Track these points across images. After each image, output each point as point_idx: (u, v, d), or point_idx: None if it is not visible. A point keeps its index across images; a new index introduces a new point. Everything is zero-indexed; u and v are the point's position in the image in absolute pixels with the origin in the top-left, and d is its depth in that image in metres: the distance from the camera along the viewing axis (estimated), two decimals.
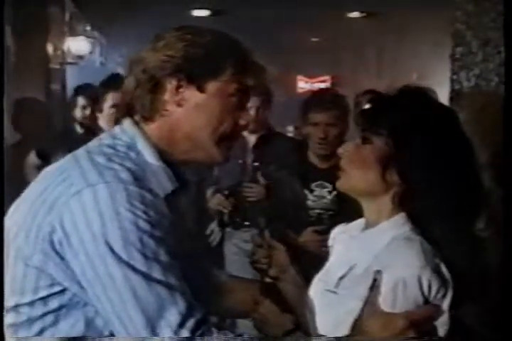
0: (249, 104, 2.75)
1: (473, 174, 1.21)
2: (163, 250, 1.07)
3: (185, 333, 1.05)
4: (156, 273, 1.05)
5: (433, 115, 1.22)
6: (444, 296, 1.13)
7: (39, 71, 5.73)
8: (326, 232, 2.22)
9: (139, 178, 1.11)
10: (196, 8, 6.91)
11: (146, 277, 1.04)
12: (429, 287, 1.11)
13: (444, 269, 1.13)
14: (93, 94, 3.81)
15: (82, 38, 6.62)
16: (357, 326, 1.12)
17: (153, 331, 1.04)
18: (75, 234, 1.06)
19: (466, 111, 2.26)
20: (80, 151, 1.20)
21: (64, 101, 6.21)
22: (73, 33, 6.53)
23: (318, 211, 2.47)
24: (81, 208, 1.06)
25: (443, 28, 3.70)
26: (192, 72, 1.18)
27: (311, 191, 2.53)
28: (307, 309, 1.28)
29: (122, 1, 6.12)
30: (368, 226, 1.26)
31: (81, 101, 3.78)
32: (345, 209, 2.39)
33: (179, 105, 1.20)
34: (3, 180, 1.34)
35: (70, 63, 6.52)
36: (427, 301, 1.11)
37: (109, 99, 3.16)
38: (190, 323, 1.06)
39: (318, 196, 2.50)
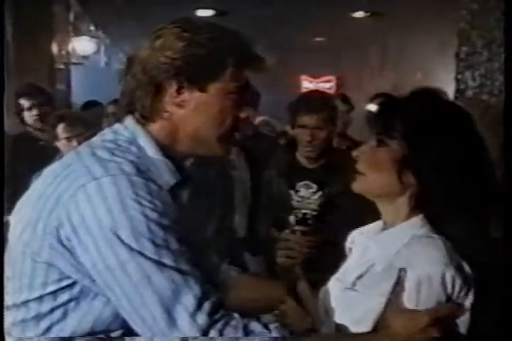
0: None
1: (487, 174, 1.21)
2: (172, 238, 1.08)
3: (202, 316, 1.05)
4: (168, 260, 1.06)
5: (445, 116, 1.23)
6: (466, 294, 1.14)
7: (44, 71, 5.73)
8: (310, 233, 2.21)
9: (142, 170, 1.12)
10: (200, 8, 6.92)
11: (158, 264, 1.05)
12: (453, 284, 1.12)
13: (466, 267, 1.14)
14: (35, 93, 3.58)
15: (86, 37, 6.64)
16: (380, 322, 1.13)
17: (170, 316, 1.04)
18: (83, 227, 1.06)
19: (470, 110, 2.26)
20: (82, 147, 1.21)
21: (68, 102, 6.24)
22: (77, 33, 6.55)
23: (303, 211, 2.45)
24: (87, 201, 1.06)
25: (448, 27, 3.70)
26: (193, 74, 1.18)
27: (296, 191, 2.51)
28: (322, 309, 1.29)
29: (126, 0, 6.12)
30: (386, 227, 1.27)
31: (25, 103, 3.51)
32: (331, 210, 2.40)
33: (180, 106, 1.19)
34: (3, 179, 1.35)
35: (75, 63, 6.54)
36: (449, 299, 1.12)
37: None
38: (207, 306, 1.06)
39: (303, 196, 2.49)
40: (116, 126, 1.23)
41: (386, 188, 1.22)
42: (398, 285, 1.13)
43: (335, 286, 1.29)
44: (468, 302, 1.14)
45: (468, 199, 1.18)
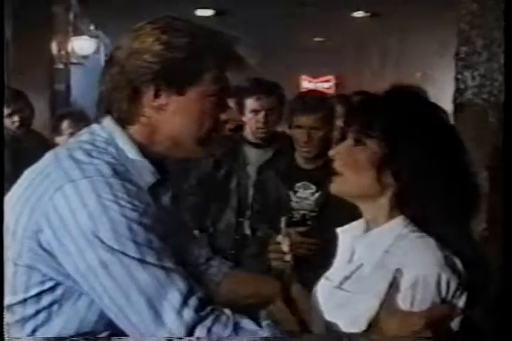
0: (258, 107, 2.74)
1: (466, 173, 1.20)
2: (154, 236, 1.07)
3: (188, 312, 1.04)
4: (150, 258, 1.05)
5: (424, 115, 1.20)
6: (460, 295, 1.12)
7: (43, 71, 5.74)
8: (309, 234, 2.20)
9: (119, 171, 1.10)
10: (199, 8, 6.92)
11: (141, 262, 1.05)
12: (448, 286, 1.10)
13: (460, 265, 1.12)
14: (14, 99, 3.41)
15: (86, 37, 6.64)
16: (373, 324, 1.11)
17: (156, 313, 1.03)
18: (63, 230, 1.06)
19: (469, 112, 2.26)
20: (60, 149, 1.20)
21: (68, 102, 6.24)
22: (77, 33, 6.55)
23: (302, 212, 2.44)
24: (66, 203, 1.06)
25: (447, 27, 3.70)
26: (171, 78, 1.16)
27: (295, 192, 2.51)
28: (312, 309, 1.28)
29: (126, 0, 6.13)
30: (369, 225, 1.25)
31: (5, 110, 3.28)
32: (329, 211, 2.39)
33: (158, 110, 1.18)
34: (3, 178, 1.34)
35: (74, 63, 6.54)
36: (443, 300, 1.11)
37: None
38: (193, 301, 1.05)
39: (301, 197, 2.49)
40: (94, 126, 1.21)
41: (364, 189, 1.20)
42: (393, 286, 1.11)
43: (323, 285, 1.28)
44: (461, 302, 1.12)
45: (447, 200, 1.16)
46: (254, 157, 2.76)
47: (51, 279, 1.10)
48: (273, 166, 2.64)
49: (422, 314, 1.09)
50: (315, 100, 2.54)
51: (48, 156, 1.19)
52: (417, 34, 7.36)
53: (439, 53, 6.41)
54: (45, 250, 1.08)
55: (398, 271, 1.11)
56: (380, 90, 1.24)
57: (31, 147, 3.35)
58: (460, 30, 2.37)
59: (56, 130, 3.20)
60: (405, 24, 7.11)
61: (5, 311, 1.13)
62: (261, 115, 2.69)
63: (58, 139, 3.15)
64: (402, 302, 1.10)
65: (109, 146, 1.16)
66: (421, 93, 1.25)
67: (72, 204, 1.06)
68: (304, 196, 2.49)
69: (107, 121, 1.20)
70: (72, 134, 3.04)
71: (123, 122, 1.20)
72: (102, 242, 1.04)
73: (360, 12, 7.40)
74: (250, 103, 2.70)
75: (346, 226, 1.31)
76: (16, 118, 3.42)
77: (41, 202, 1.08)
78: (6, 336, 1.13)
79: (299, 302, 1.35)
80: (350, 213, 1.28)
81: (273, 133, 2.78)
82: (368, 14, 7.48)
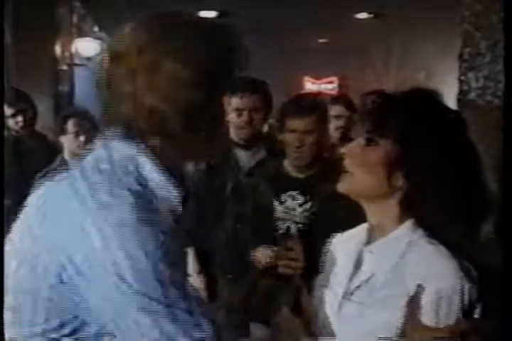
0: (241, 106, 2.63)
1: (480, 177, 1.18)
2: (178, 274, 1.03)
3: None
4: (175, 300, 1.01)
5: (441, 118, 1.19)
6: (477, 303, 1.10)
7: (47, 72, 5.75)
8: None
9: (140, 196, 1.04)
10: (203, 10, 6.93)
11: (165, 304, 1.00)
12: (470, 297, 1.08)
13: (474, 272, 1.10)
14: (18, 99, 3.44)
15: (89, 39, 6.65)
16: (396, 339, 1.09)
17: None
18: (86, 268, 1.01)
19: (472, 113, 2.25)
20: (75, 171, 1.10)
21: (71, 103, 6.25)
22: (81, 35, 6.57)
23: (287, 223, 2.35)
24: (88, 243, 1.01)
25: (451, 28, 3.69)
26: None
27: (281, 202, 2.39)
28: (319, 319, 1.26)
29: (130, 2, 6.13)
30: (373, 230, 1.23)
31: (8, 110, 3.36)
32: (317, 223, 2.26)
33: None
34: (3, 183, 1.32)
35: (78, 64, 6.55)
36: (466, 313, 1.09)
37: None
38: None
39: (289, 207, 2.39)
40: (109, 138, 1.12)
41: (373, 189, 1.18)
42: (414, 299, 1.08)
43: (329, 296, 1.25)
44: (477, 312, 1.10)
45: (460, 204, 1.14)
46: (245, 160, 2.68)
47: (71, 313, 1.06)
48: (261, 173, 2.53)
49: (448, 329, 1.07)
50: (308, 102, 2.46)
51: (63, 181, 1.10)
52: (421, 35, 7.35)
53: (442, 54, 6.40)
54: (66, 284, 1.04)
55: (420, 286, 1.09)
56: (396, 91, 1.23)
57: (34, 148, 3.38)
58: (464, 31, 2.37)
59: (61, 129, 3.23)
60: (409, 25, 7.10)
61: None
62: (244, 114, 2.60)
63: (63, 138, 3.18)
64: (426, 317, 1.08)
65: (129, 164, 1.08)
66: (437, 96, 1.23)
67: (94, 243, 1.00)
68: (292, 206, 2.39)
69: (123, 133, 1.11)
70: (77, 133, 3.10)
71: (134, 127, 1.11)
72: (123, 281, 1.00)
73: (364, 13, 7.39)
74: (235, 101, 2.59)
75: (348, 234, 1.29)
76: (19, 118, 3.46)
77: (63, 243, 1.03)
78: (6, 336, 1.11)
79: (307, 311, 1.32)
80: (340, 224, 1.26)
81: (257, 133, 2.68)
82: (372, 15, 7.47)
